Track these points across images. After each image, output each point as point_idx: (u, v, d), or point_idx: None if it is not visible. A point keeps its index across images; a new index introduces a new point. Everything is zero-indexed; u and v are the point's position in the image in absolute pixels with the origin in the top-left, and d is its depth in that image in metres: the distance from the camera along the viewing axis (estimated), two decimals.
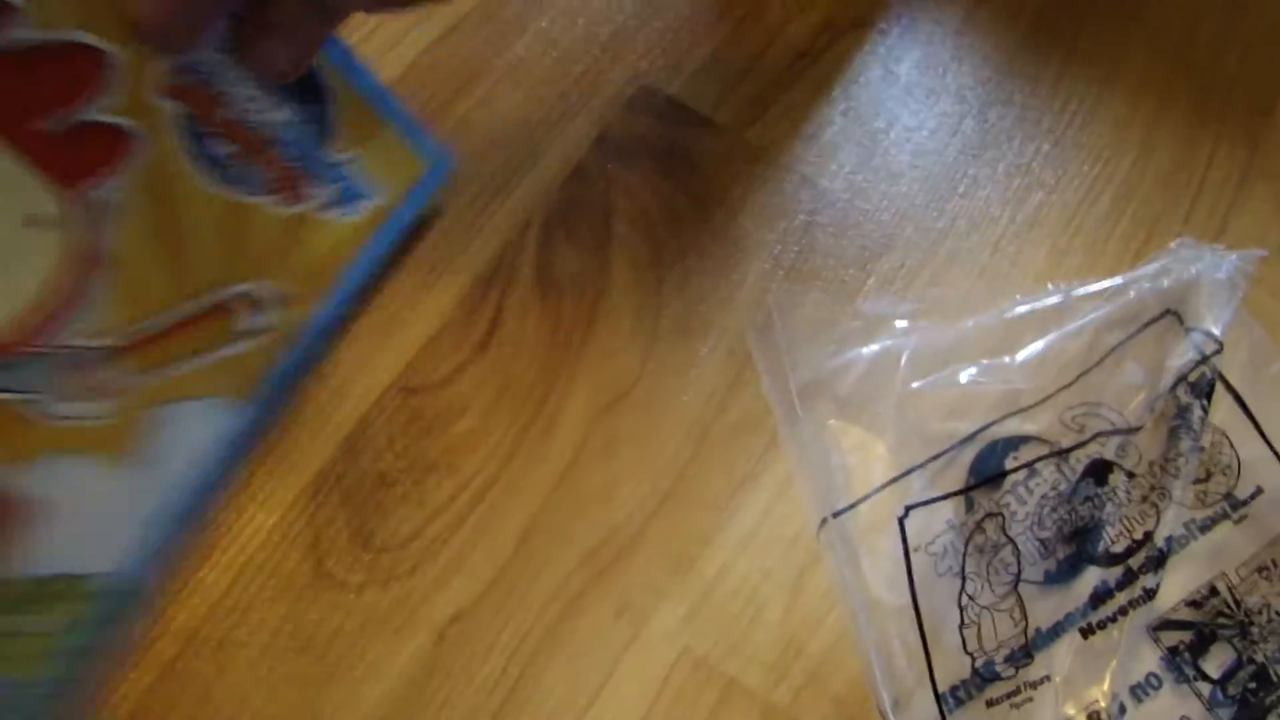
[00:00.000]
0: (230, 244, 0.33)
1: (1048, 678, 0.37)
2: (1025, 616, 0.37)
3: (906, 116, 0.47)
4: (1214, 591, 0.39)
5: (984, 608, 0.37)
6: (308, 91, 0.34)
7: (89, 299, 0.30)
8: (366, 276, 0.39)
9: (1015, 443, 0.40)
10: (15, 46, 0.26)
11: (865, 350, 0.41)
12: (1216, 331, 0.40)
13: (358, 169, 0.36)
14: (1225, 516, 0.40)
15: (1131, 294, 0.41)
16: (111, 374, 0.31)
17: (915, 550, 0.37)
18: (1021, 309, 0.42)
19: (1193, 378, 0.40)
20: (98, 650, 0.33)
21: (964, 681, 0.37)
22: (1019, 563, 0.38)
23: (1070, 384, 0.41)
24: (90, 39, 0.28)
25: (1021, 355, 0.41)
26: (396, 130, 0.37)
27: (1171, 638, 0.38)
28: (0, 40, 0.26)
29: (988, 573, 0.38)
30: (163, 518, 0.33)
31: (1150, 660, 0.38)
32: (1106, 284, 0.42)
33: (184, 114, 0.31)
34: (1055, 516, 0.39)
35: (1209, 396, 0.40)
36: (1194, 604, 0.38)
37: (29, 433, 0.29)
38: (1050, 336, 0.41)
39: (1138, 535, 0.38)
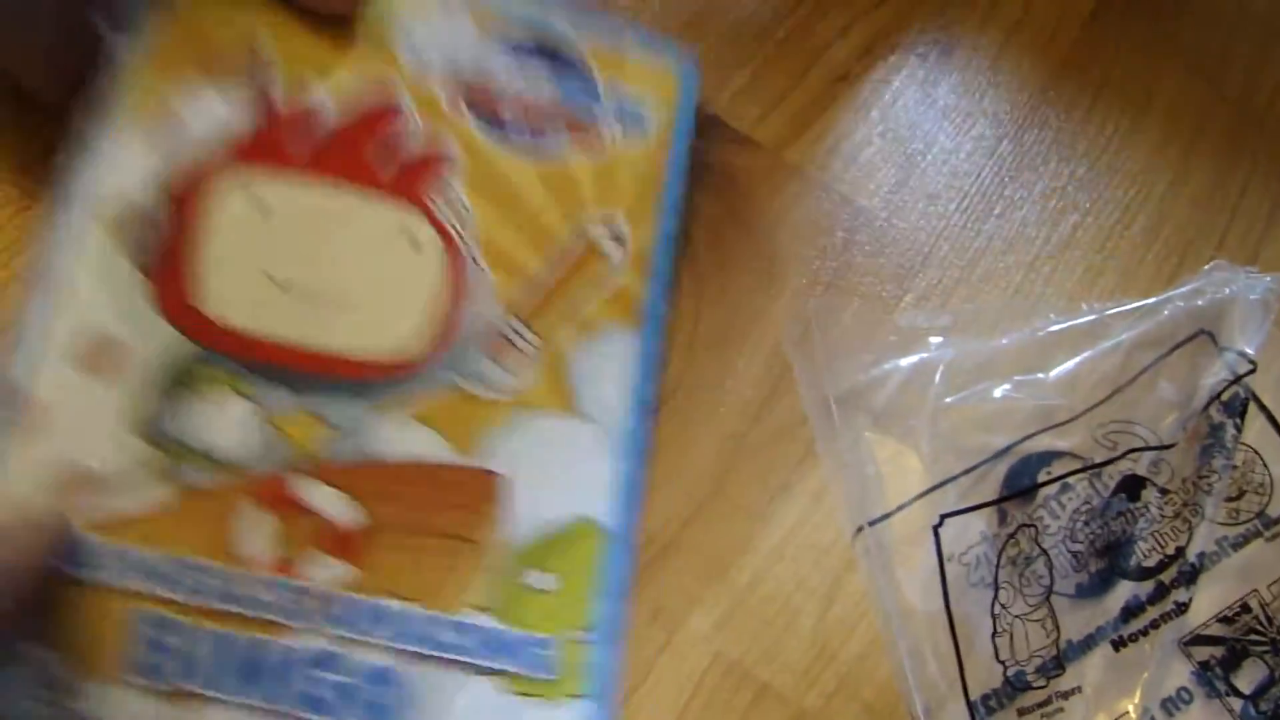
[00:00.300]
0: (565, 198, 0.39)
1: (1079, 689, 0.37)
2: (1057, 628, 0.38)
3: (944, 139, 0.48)
4: (1246, 608, 0.39)
5: (1016, 617, 0.37)
6: (550, 51, 0.40)
7: (478, 287, 0.37)
8: (681, 187, 0.41)
9: (1048, 458, 0.40)
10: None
11: (901, 364, 0.41)
12: (1250, 351, 0.41)
13: (626, 96, 0.41)
14: (1258, 534, 0.40)
15: (1165, 313, 0.42)
16: (523, 340, 0.37)
17: (949, 560, 0.38)
18: (1055, 327, 0.42)
19: (1226, 397, 0.40)
20: (619, 593, 0.36)
21: (995, 690, 0.37)
22: (1051, 574, 0.38)
23: (1103, 401, 0.41)
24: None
25: (1055, 372, 0.42)
26: (639, 51, 0.41)
27: (1203, 652, 0.38)
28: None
29: (1020, 583, 0.38)
30: (622, 450, 0.37)
31: (1181, 674, 0.38)
32: (1140, 303, 0.42)
33: (479, 115, 0.39)
34: (1088, 530, 0.39)
35: (1242, 415, 0.40)
36: (1226, 620, 0.39)
37: (483, 411, 0.36)
38: (1084, 354, 0.42)
39: (1170, 550, 0.39)
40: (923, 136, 0.48)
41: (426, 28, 0.39)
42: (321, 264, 0.36)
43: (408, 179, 0.38)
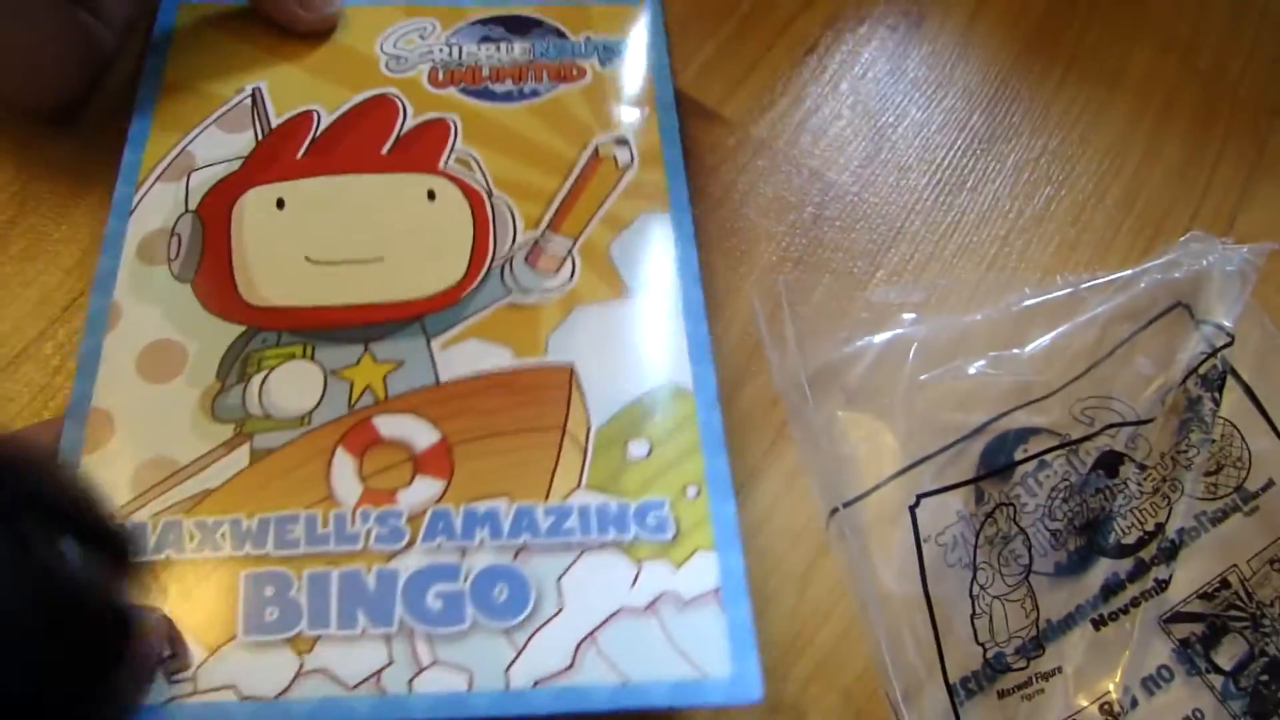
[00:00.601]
0: (562, 124, 0.42)
1: (1059, 669, 0.37)
2: (1037, 607, 0.37)
3: (915, 111, 0.47)
4: (1225, 584, 0.38)
5: (995, 598, 0.37)
6: (517, 24, 0.45)
7: (500, 213, 0.40)
8: (670, 88, 0.43)
9: (1025, 434, 0.40)
10: None
11: (874, 341, 0.41)
12: (1227, 324, 0.40)
13: (596, 36, 0.45)
14: (1236, 509, 0.39)
15: (1142, 286, 0.41)
16: (556, 245, 0.39)
17: (925, 541, 0.37)
18: (1030, 301, 0.42)
19: (1203, 370, 0.40)
20: (719, 446, 0.36)
21: (975, 673, 0.36)
22: (1030, 554, 0.38)
23: (1080, 376, 0.41)
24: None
25: (1030, 347, 0.41)
26: (601, 4, 0.46)
27: (1183, 630, 0.38)
28: None
29: (999, 563, 0.37)
30: (683, 312, 0.38)
31: (1162, 652, 0.38)
32: (1116, 276, 0.42)
33: (464, 89, 0.43)
34: (1066, 508, 0.38)
35: (1220, 389, 0.40)
36: (1205, 596, 0.38)
37: (539, 316, 0.38)
38: (1059, 329, 0.41)
39: (1149, 527, 0.38)
40: (893, 109, 0.47)
41: (397, 34, 0.44)
42: (347, 235, 0.39)
43: (408, 152, 0.41)
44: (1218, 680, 0.37)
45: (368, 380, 0.36)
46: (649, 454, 0.36)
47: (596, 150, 0.41)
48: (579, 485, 0.35)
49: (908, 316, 0.41)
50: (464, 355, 0.37)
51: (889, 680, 0.36)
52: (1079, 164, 0.47)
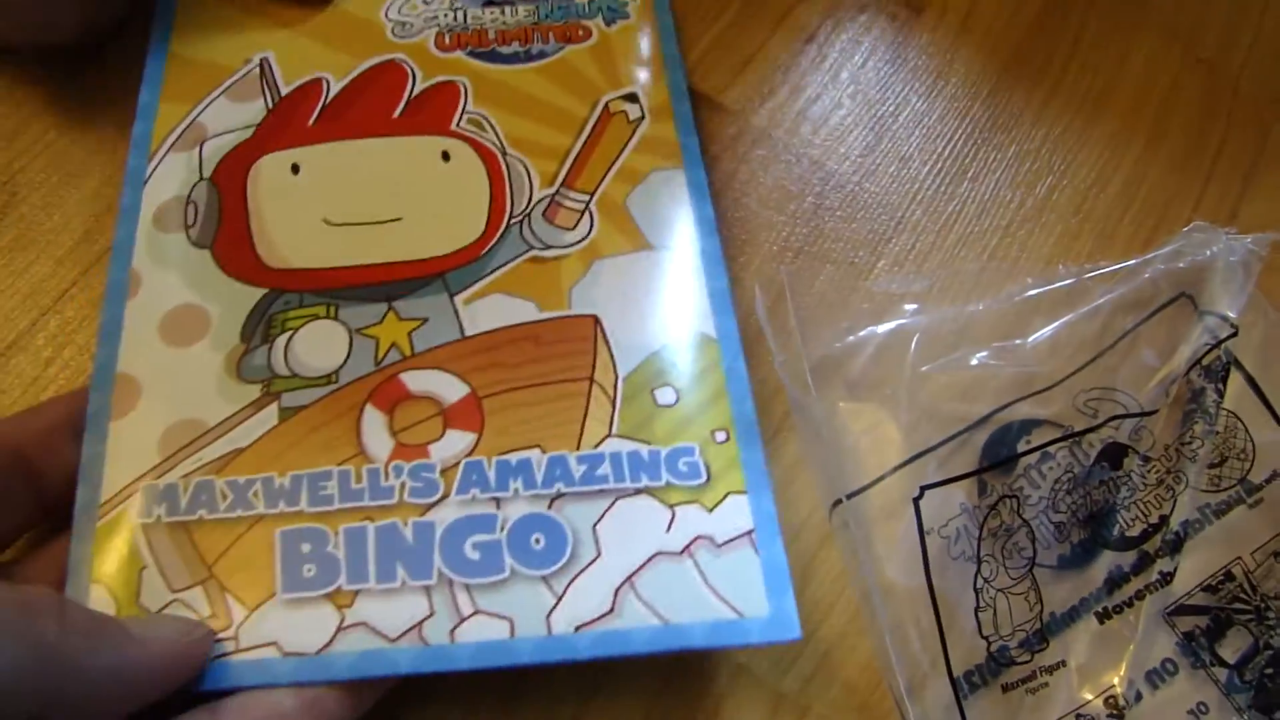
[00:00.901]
0: (572, 83, 0.42)
1: (1063, 662, 0.36)
2: (1040, 600, 0.37)
3: (915, 100, 0.46)
4: (1230, 576, 0.38)
5: (999, 591, 0.36)
6: None
7: (515, 172, 0.40)
8: (676, 46, 0.44)
9: (1028, 426, 0.39)
10: None
11: (876, 331, 0.40)
12: (1231, 315, 0.40)
13: None
14: (1240, 501, 0.39)
15: (1145, 276, 0.41)
16: (573, 199, 0.39)
17: (929, 533, 0.37)
18: (1033, 292, 0.41)
19: (1207, 361, 0.39)
20: (745, 392, 0.36)
21: (979, 666, 0.36)
22: (1034, 546, 0.37)
23: (1083, 367, 0.40)
24: None
25: (1033, 338, 0.41)
26: None
27: (1187, 623, 0.38)
28: None
29: (1002, 556, 0.37)
30: (703, 265, 0.38)
31: (1166, 645, 0.37)
32: (1119, 265, 0.41)
33: (471, 52, 0.43)
34: (1070, 500, 0.38)
35: (1224, 380, 0.39)
36: (1210, 589, 0.38)
37: (561, 269, 0.38)
38: (1062, 319, 0.41)
39: (1153, 519, 0.38)
40: (894, 98, 0.46)
41: (402, 2, 0.44)
42: (365, 198, 0.39)
43: (420, 115, 0.41)
44: (1222, 673, 0.37)
45: (393, 337, 0.36)
46: (676, 401, 0.36)
47: (607, 106, 0.41)
48: (609, 433, 0.35)
49: (909, 307, 0.41)
50: (488, 309, 0.37)
51: (893, 674, 0.35)
52: (1081, 154, 0.46)
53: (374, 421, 0.35)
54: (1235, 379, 0.40)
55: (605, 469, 0.34)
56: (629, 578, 0.33)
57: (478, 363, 0.36)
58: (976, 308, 0.41)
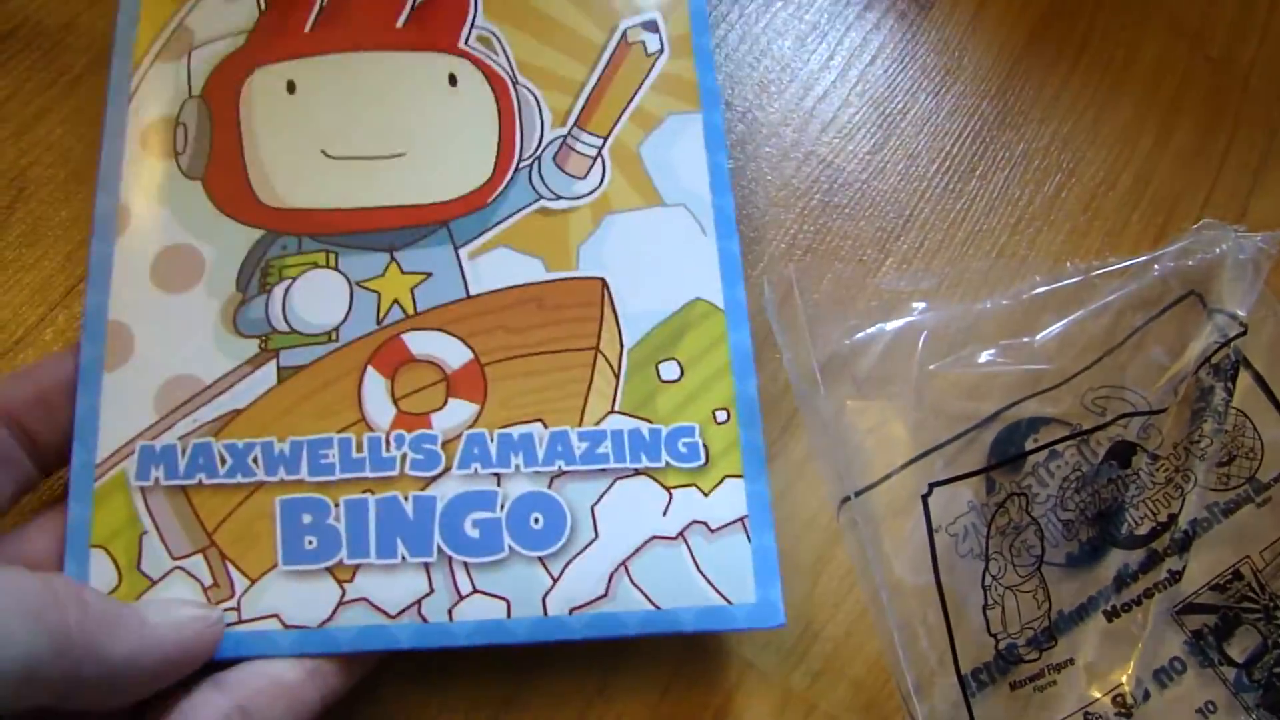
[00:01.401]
0: (589, 4, 0.40)
1: (1071, 660, 0.36)
2: (1049, 598, 0.37)
3: (923, 98, 0.46)
4: (1238, 575, 0.38)
5: (1007, 589, 0.36)
6: None
7: (526, 105, 0.38)
8: None
9: (1036, 424, 0.39)
10: None
11: (884, 329, 0.40)
12: (1240, 313, 0.40)
13: None
14: (1249, 500, 0.39)
15: (1155, 272, 0.41)
16: (585, 143, 0.38)
17: (937, 531, 0.37)
18: (1041, 289, 0.41)
19: (1216, 360, 0.39)
20: (748, 369, 0.36)
21: (987, 664, 0.36)
22: (1042, 544, 0.37)
23: (1091, 365, 0.40)
24: None
25: (1041, 336, 0.41)
26: None
27: (1195, 621, 0.38)
28: None
29: (1010, 554, 0.37)
30: (715, 226, 0.37)
31: (1174, 644, 0.37)
32: (1128, 262, 0.41)
33: None
34: (1078, 498, 0.38)
35: (1233, 379, 0.39)
36: (1218, 587, 0.38)
37: (570, 223, 0.37)
38: (1071, 317, 0.41)
39: (1162, 518, 0.38)
40: (902, 96, 0.46)
41: None
42: (366, 127, 0.37)
43: (426, 26, 0.39)
44: (1231, 672, 0.37)
45: (395, 293, 0.35)
46: (680, 377, 0.35)
47: (625, 35, 0.40)
48: (612, 409, 0.35)
49: (917, 305, 0.41)
50: (493, 265, 0.36)
51: (901, 672, 0.35)
52: (1089, 151, 0.46)
53: (375, 386, 0.34)
54: (1243, 377, 0.40)
55: (606, 447, 0.34)
56: (624, 562, 0.33)
57: (481, 325, 0.35)
58: (984, 305, 0.41)
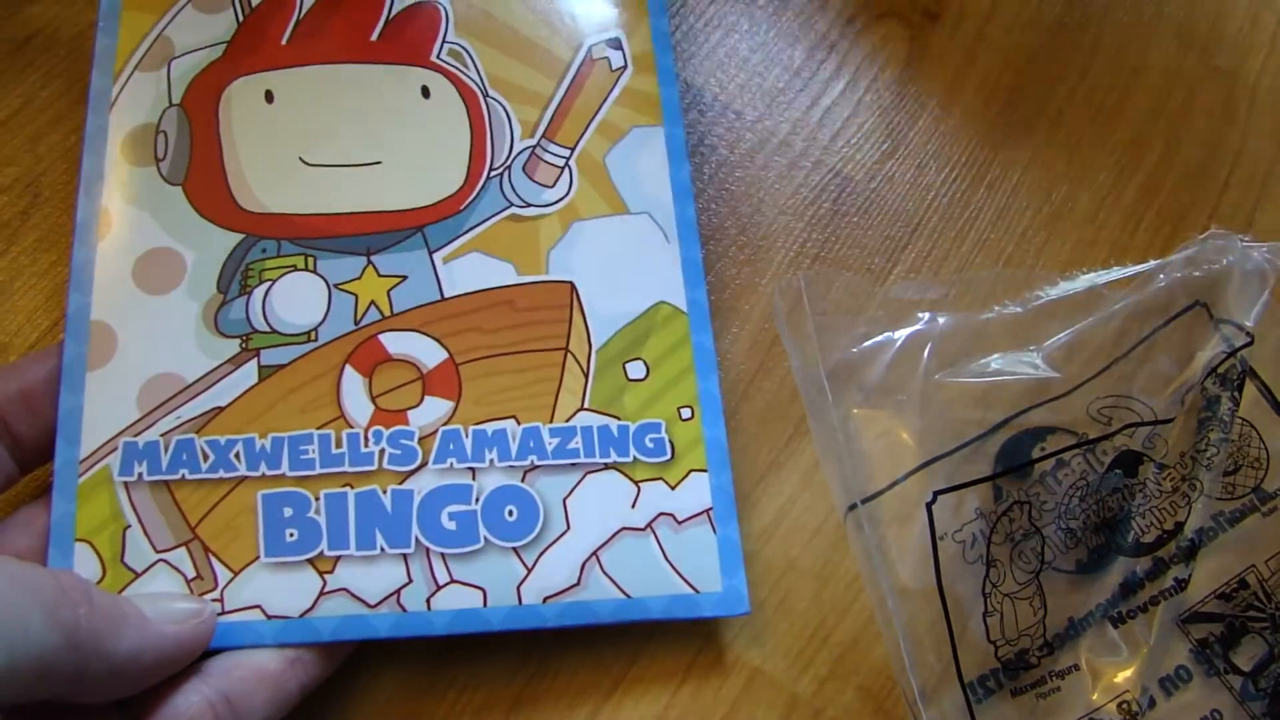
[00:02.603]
0: (556, 22, 0.42)
1: (1075, 667, 0.37)
2: (1045, 606, 0.37)
3: (932, 107, 0.47)
4: (1244, 584, 0.38)
5: (1006, 596, 0.37)
6: None
7: (496, 117, 0.40)
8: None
9: (1042, 433, 0.40)
10: None
11: (890, 338, 0.40)
12: (1247, 324, 0.40)
13: None
14: (1254, 509, 0.39)
15: (1161, 282, 0.41)
16: (553, 154, 0.39)
17: (942, 538, 0.37)
18: (1048, 298, 0.41)
19: (1222, 369, 0.39)
20: (711, 367, 0.37)
21: (992, 671, 0.36)
22: (1047, 552, 0.37)
23: (1098, 375, 0.40)
24: None
25: (1048, 345, 0.41)
26: None
27: (1201, 630, 0.38)
28: None
29: (1014, 562, 0.37)
30: (677, 233, 0.39)
31: (1180, 652, 0.37)
32: (1134, 270, 0.41)
33: None
34: (1084, 507, 0.38)
35: (1239, 389, 0.39)
36: (1223, 596, 0.38)
37: (540, 229, 0.38)
38: (1077, 326, 0.41)
39: (1168, 526, 0.38)
40: (910, 106, 0.47)
41: None
42: (343, 136, 0.39)
43: (399, 40, 0.40)
44: (1236, 681, 0.37)
45: (372, 295, 0.37)
46: (646, 375, 0.37)
47: (590, 51, 0.41)
48: (581, 406, 0.36)
49: (924, 314, 0.41)
50: (466, 270, 0.37)
51: (906, 679, 0.35)
52: (1096, 161, 0.46)
53: (353, 384, 0.35)
54: (1249, 387, 0.40)
55: (576, 443, 0.35)
56: (595, 552, 0.34)
57: (456, 326, 0.36)
58: (991, 314, 0.41)
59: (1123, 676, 0.37)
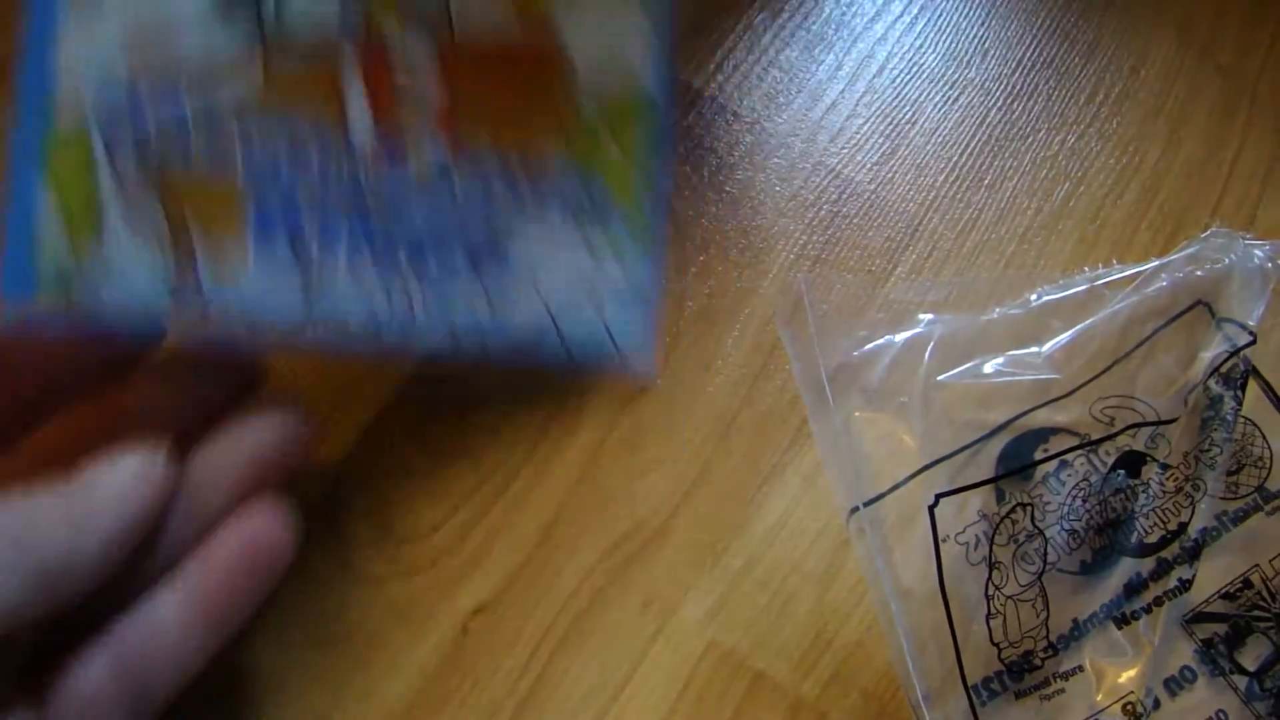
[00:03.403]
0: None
1: (1080, 669, 0.37)
2: (1047, 608, 0.37)
3: (931, 108, 0.47)
4: (1248, 584, 0.38)
5: (1009, 598, 0.37)
6: None
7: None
8: None
9: (1045, 434, 0.39)
10: None
11: (891, 340, 0.40)
12: (1250, 323, 0.40)
13: None
14: (1258, 508, 0.39)
15: (1163, 281, 0.41)
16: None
17: (945, 540, 0.37)
18: (1049, 299, 0.41)
19: (1225, 369, 0.39)
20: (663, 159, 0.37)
21: (996, 674, 0.36)
22: (1050, 553, 0.37)
23: (1100, 375, 0.40)
24: None
25: (1050, 345, 0.41)
26: None
27: (1205, 630, 0.38)
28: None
29: (1017, 563, 0.37)
30: (652, 10, 0.36)
31: (1184, 653, 0.37)
32: (1136, 269, 0.41)
33: None
34: (1087, 508, 0.38)
35: (1242, 388, 0.39)
36: (1228, 596, 0.38)
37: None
38: (1079, 326, 0.41)
39: (1172, 526, 0.38)
40: (910, 106, 0.47)
41: None
42: None
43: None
44: (1242, 681, 0.37)
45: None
46: (620, 155, 0.36)
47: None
48: (566, 158, 0.35)
49: (925, 316, 0.41)
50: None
51: (910, 682, 0.35)
52: (1097, 160, 0.46)
53: (357, 94, 0.34)
54: (1252, 386, 0.40)
55: (554, 191, 0.35)
56: (539, 284, 0.35)
57: (457, 67, 0.35)
58: (993, 315, 0.41)
59: (1127, 677, 0.37)
